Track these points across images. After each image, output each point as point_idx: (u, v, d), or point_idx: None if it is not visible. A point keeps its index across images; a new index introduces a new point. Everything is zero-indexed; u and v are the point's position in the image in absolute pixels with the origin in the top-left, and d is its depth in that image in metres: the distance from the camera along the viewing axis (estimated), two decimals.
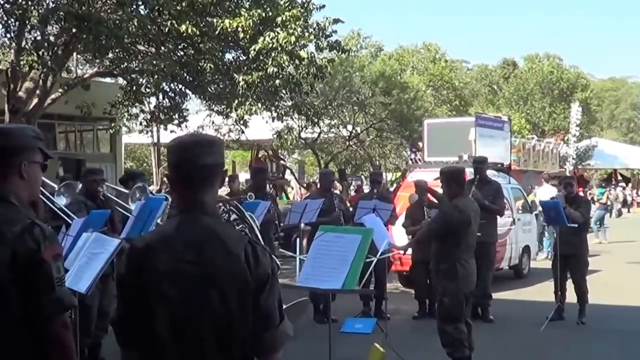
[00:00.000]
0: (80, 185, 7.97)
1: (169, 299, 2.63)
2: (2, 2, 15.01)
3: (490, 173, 12.24)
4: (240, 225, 5.17)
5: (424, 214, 10.89)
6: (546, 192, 18.55)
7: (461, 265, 7.43)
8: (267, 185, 13.86)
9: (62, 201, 6.82)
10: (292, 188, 35.67)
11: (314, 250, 6.27)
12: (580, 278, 10.50)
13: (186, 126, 19.51)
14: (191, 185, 2.74)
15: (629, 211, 42.53)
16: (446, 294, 7.50)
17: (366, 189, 19.79)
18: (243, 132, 25.98)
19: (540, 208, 13.75)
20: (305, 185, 34.03)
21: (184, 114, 19.29)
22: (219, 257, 2.65)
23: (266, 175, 12.37)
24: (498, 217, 11.10)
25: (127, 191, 8.01)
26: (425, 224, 9.92)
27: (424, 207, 11.01)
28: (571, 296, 10.57)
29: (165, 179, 22.97)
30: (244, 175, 29.26)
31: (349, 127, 32.66)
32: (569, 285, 10.60)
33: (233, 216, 5.30)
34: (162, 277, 2.64)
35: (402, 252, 10.34)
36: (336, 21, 17.71)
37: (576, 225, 10.23)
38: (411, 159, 23.17)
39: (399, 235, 11.62)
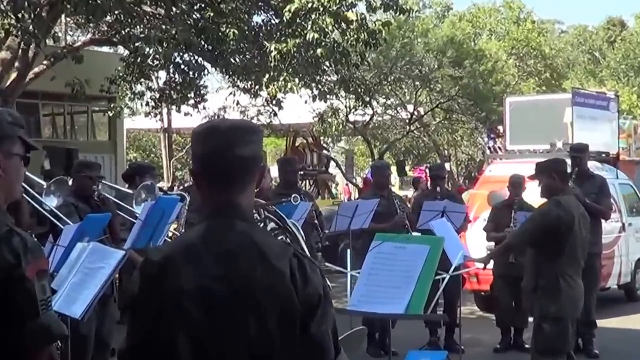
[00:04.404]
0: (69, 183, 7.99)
1: (193, 325, 2.61)
2: None
3: (592, 165, 12.15)
4: (280, 237, 5.12)
5: (512, 218, 10.70)
6: None
7: (566, 282, 7.29)
8: (301, 181, 13.74)
9: (52, 202, 6.84)
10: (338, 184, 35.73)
11: (369, 265, 6.29)
12: None
13: (204, 107, 19.67)
14: (223, 182, 2.72)
15: None
16: (546, 318, 7.38)
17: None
18: (276, 114, 26.03)
19: None
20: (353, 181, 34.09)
21: (202, 92, 19.40)
22: (257, 273, 2.63)
23: (296, 166, 12.18)
24: (603, 221, 10.96)
25: (130, 191, 8.01)
26: (509, 231, 9.81)
27: (513, 210, 10.82)
28: None
29: (179, 173, 23.08)
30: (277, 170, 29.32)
31: (410, 108, 32.63)
32: None
33: (271, 224, 5.24)
34: (185, 297, 2.62)
35: (481, 265, 10.20)
36: None
37: None
38: (489, 148, 23.02)
39: (475, 244, 11.51)
